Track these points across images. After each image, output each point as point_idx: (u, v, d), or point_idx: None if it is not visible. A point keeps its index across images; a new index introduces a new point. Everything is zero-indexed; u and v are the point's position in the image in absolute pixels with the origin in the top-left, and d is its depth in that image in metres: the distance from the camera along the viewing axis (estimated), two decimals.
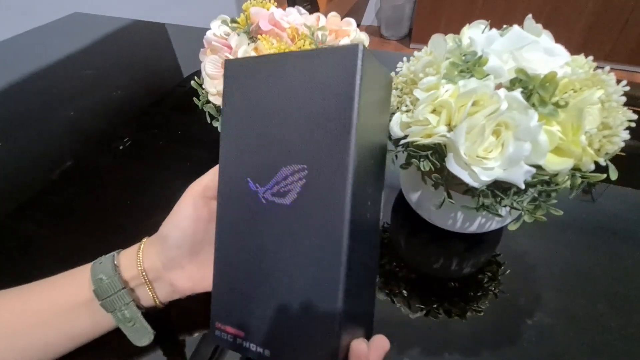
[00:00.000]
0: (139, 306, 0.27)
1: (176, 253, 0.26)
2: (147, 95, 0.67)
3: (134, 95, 0.67)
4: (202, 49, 0.37)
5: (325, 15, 0.38)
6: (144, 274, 0.26)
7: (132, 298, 0.26)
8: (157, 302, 0.27)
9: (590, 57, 0.28)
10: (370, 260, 0.23)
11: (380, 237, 0.20)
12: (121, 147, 0.53)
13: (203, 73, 0.35)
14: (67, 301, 0.26)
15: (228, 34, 0.34)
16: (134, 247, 0.28)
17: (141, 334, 0.26)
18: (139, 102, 0.65)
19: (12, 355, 0.24)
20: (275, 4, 0.36)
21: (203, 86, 0.36)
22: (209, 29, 0.36)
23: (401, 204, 0.42)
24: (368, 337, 0.22)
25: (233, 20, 0.35)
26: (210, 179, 0.27)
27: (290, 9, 0.34)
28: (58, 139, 0.56)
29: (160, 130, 0.57)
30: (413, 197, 0.37)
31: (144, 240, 0.28)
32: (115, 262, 0.26)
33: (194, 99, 0.38)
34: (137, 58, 0.81)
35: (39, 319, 0.25)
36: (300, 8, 0.36)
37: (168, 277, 0.27)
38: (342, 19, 0.37)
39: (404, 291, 0.35)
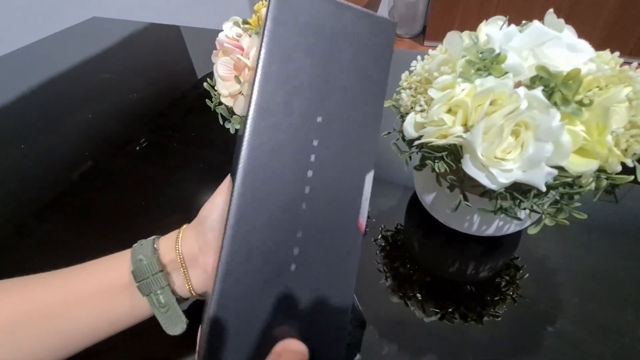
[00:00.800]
0: (173, 292, 0.26)
1: (212, 235, 0.26)
2: (162, 97, 0.68)
3: (149, 97, 0.68)
4: (214, 51, 0.37)
5: None
6: (180, 257, 0.26)
7: (167, 282, 0.26)
8: (191, 289, 0.27)
9: (617, 53, 0.27)
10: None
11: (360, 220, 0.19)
12: (137, 149, 0.54)
13: (215, 75, 0.35)
14: (107, 283, 0.26)
15: (240, 36, 0.34)
16: (174, 232, 0.28)
17: (174, 322, 0.26)
18: (154, 105, 0.66)
19: (54, 337, 0.24)
20: None
21: (215, 88, 0.36)
22: (222, 30, 0.36)
23: (415, 206, 0.42)
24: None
25: (245, 22, 0.35)
26: None
27: None
28: (77, 141, 0.58)
29: (174, 132, 0.58)
30: (427, 199, 0.36)
31: (184, 226, 0.28)
32: (155, 246, 0.26)
33: (207, 100, 0.39)
34: (152, 61, 0.82)
35: (79, 300, 0.25)
36: None
37: (203, 261, 0.26)
38: None
39: (418, 295, 0.34)
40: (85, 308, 0.25)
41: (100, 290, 0.25)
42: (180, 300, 0.27)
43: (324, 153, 0.18)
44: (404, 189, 0.45)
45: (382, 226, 0.41)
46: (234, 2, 1.69)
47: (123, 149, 0.55)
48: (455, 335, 0.31)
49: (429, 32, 2.22)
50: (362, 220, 0.18)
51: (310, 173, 0.18)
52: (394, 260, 0.37)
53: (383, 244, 0.39)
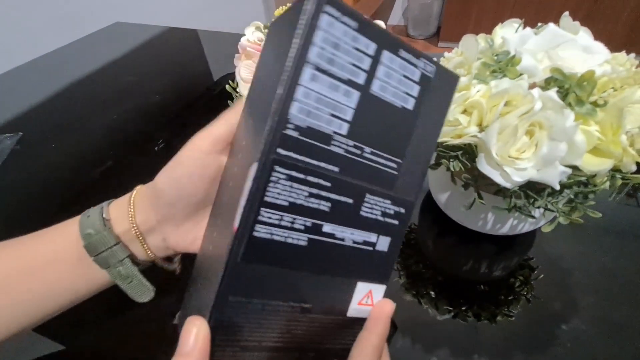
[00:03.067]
0: (136, 262, 0.25)
1: (170, 211, 0.24)
2: (179, 98, 0.70)
3: (168, 98, 0.70)
4: (236, 55, 0.39)
5: None
6: (135, 228, 0.24)
7: (127, 254, 0.24)
8: (154, 257, 0.25)
9: (632, 55, 0.27)
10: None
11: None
12: (156, 149, 0.56)
13: (237, 77, 0.37)
14: (61, 253, 0.24)
15: (261, 40, 0.36)
16: (125, 198, 0.25)
17: (141, 291, 0.25)
18: (172, 106, 0.68)
19: (11, 309, 0.23)
20: None
21: (237, 89, 0.38)
22: (238, 33, 0.38)
23: (429, 205, 0.42)
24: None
25: (266, 27, 0.36)
26: (222, 130, 0.23)
27: None
28: (100, 141, 0.60)
29: (192, 131, 0.60)
30: (442, 198, 0.37)
31: (137, 188, 0.26)
32: (104, 215, 0.24)
33: (229, 102, 0.40)
34: (171, 62, 0.85)
35: (34, 270, 0.24)
36: None
37: (161, 230, 0.25)
38: (370, 18, 0.38)
39: (432, 292, 0.35)
40: (40, 279, 0.24)
41: (55, 260, 0.24)
42: (143, 265, 0.26)
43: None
44: None
45: None
46: (249, 6, 1.72)
47: (144, 147, 0.57)
48: (469, 334, 0.31)
49: (444, 33, 2.21)
50: (236, 223, 0.17)
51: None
52: (408, 259, 0.38)
53: None
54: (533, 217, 0.27)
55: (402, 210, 0.20)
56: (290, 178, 0.17)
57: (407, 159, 0.20)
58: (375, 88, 0.18)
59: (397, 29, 2.54)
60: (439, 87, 0.19)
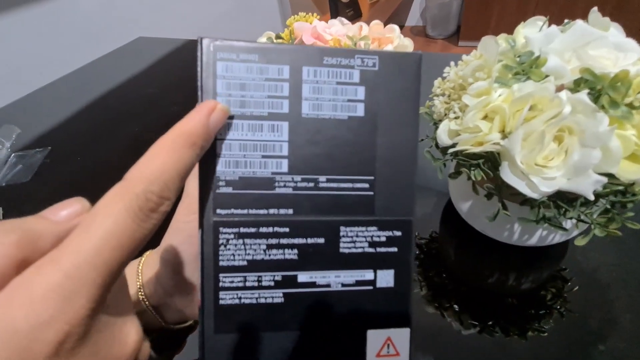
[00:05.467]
0: (147, 330, 0.23)
1: (178, 280, 0.22)
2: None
3: (187, 110, 0.72)
4: None
5: (369, 21, 0.38)
6: (144, 301, 0.23)
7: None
8: (173, 327, 0.24)
9: None
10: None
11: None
12: None
13: None
14: None
15: None
16: (134, 264, 0.24)
17: None
18: None
19: None
20: (319, 17, 0.37)
21: None
22: None
23: (451, 213, 0.40)
24: None
25: (278, 36, 0.36)
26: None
27: (332, 21, 0.35)
28: (126, 152, 0.62)
29: None
30: (463, 207, 0.35)
31: (146, 254, 0.25)
32: None
33: None
34: (190, 75, 0.87)
35: None
36: (343, 19, 0.36)
37: (173, 302, 0.23)
38: (386, 21, 0.37)
39: (455, 306, 0.33)
40: None
41: None
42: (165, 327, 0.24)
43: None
44: (438, 194, 0.43)
45: (417, 234, 0.40)
46: (266, 17, 1.75)
47: None
48: (496, 350, 0.30)
49: (464, 32, 2.16)
50: (199, 295, 0.16)
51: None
52: (429, 269, 0.36)
53: (417, 252, 0.38)
54: (564, 229, 0.25)
55: (398, 234, 0.17)
56: (240, 235, 0.16)
57: (381, 173, 0.17)
58: (306, 110, 0.16)
59: (415, 30, 2.51)
60: (392, 77, 0.16)
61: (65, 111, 0.77)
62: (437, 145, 0.30)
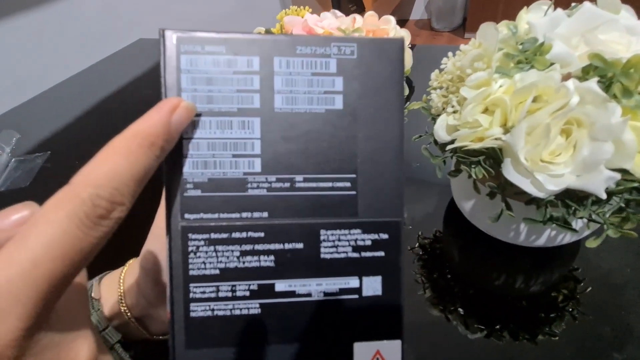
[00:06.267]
0: (129, 342, 0.22)
1: (160, 291, 0.21)
2: None
3: None
4: None
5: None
6: (127, 313, 0.22)
7: (118, 338, 0.22)
8: (158, 338, 0.23)
9: None
10: None
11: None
12: None
13: None
14: None
15: None
16: (116, 274, 0.23)
17: None
18: None
19: None
20: (310, 10, 0.35)
21: None
22: None
23: (454, 212, 0.39)
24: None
25: (267, 31, 0.34)
26: None
27: (325, 14, 0.33)
28: None
29: None
30: (466, 206, 0.34)
31: (129, 263, 0.24)
32: (93, 295, 0.22)
33: None
34: None
35: None
36: (337, 12, 0.35)
37: (157, 312, 0.22)
38: (391, 14, 0.35)
39: (460, 309, 0.32)
40: None
41: None
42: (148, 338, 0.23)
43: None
44: (441, 192, 0.42)
45: (420, 233, 0.38)
46: (268, 17, 1.73)
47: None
48: (504, 355, 0.28)
49: (470, 24, 2.11)
50: (168, 307, 0.15)
51: None
52: (433, 271, 0.35)
53: (420, 253, 0.37)
54: (574, 230, 0.24)
55: (385, 237, 0.16)
56: (211, 242, 0.14)
57: (363, 170, 0.15)
58: (280, 104, 0.15)
59: (420, 24, 2.46)
60: (372, 65, 0.15)
61: (65, 115, 0.77)
62: (435, 142, 0.29)
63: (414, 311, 0.32)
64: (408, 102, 0.34)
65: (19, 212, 0.13)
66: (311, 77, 0.15)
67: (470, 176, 0.25)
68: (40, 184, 0.56)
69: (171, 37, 0.14)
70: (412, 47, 0.67)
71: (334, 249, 0.15)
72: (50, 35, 0.93)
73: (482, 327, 0.30)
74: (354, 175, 0.15)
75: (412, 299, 0.33)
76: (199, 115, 0.14)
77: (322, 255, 0.15)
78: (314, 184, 0.15)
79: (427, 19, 2.46)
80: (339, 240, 0.15)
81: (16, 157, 0.63)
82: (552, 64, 0.22)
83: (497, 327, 0.30)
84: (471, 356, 0.28)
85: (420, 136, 0.32)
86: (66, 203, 0.11)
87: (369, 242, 0.16)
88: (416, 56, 0.52)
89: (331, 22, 0.34)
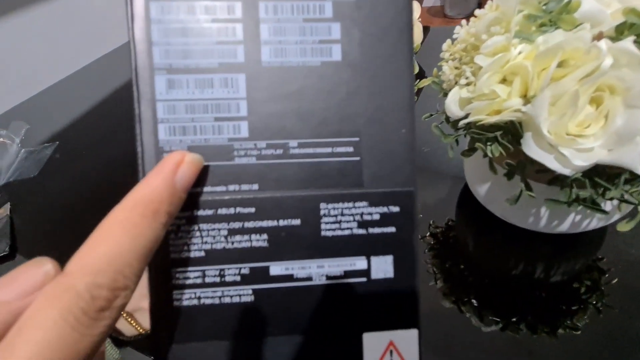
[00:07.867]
0: (120, 340, 0.22)
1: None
2: None
3: None
4: None
5: None
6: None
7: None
8: (142, 331, 0.23)
9: None
10: None
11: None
12: None
13: None
14: None
15: None
16: None
17: None
18: None
19: None
20: None
21: None
22: None
23: (468, 198, 0.37)
24: None
25: None
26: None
27: None
28: (131, 148, 0.61)
29: None
30: (481, 190, 0.32)
31: None
32: None
33: None
34: None
35: None
36: None
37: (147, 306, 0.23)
38: None
39: (474, 300, 0.30)
40: None
41: None
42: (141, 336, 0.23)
43: None
44: (454, 177, 0.40)
45: (431, 222, 0.37)
46: None
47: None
48: (522, 349, 0.27)
49: None
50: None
51: None
52: (445, 260, 0.34)
53: (432, 242, 0.35)
54: (604, 212, 0.21)
55: (396, 210, 0.14)
56: (193, 220, 0.13)
57: (368, 132, 0.13)
58: (267, 57, 0.13)
59: (433, 11, 2.40)
60: (375, 7, 0.13)
61: (74, 107, 0.78)
62: (447, 119, 0.26)
63: (426, 303, 0.31)
64: (418, 80, 0.32)
65: (30, 275, 0.10)
66: (303, 23, 0.13)
67: (485, 155, 0.23)
68: (49, 174, 0.57)
69: None
70: (426, 28, 0.64)
71: (336, 225, 0.13)
72: (59, 29, 0.94)
73: (498, 319, 0.29)
74: (357, 139, 0.13)
75: (424, 290, 0.32)
76: (174, 72, 0.13)
77: (322, 233, 0.13)
78: (310, 150, 0.13)
79: (441, 5, 2.40)
80: (342, 214, 0.13)
81: (26, 148, 0.64)
82: (580, 23, 0.19)
83: (514, 319, 0.28)
84: (486, 349, 0.27)
85: (431, 115, 0.30)
86: (59, 299, 0.09)
87: (377, 217, 0.14)
88: (430, 40, 0.49)
89: None
